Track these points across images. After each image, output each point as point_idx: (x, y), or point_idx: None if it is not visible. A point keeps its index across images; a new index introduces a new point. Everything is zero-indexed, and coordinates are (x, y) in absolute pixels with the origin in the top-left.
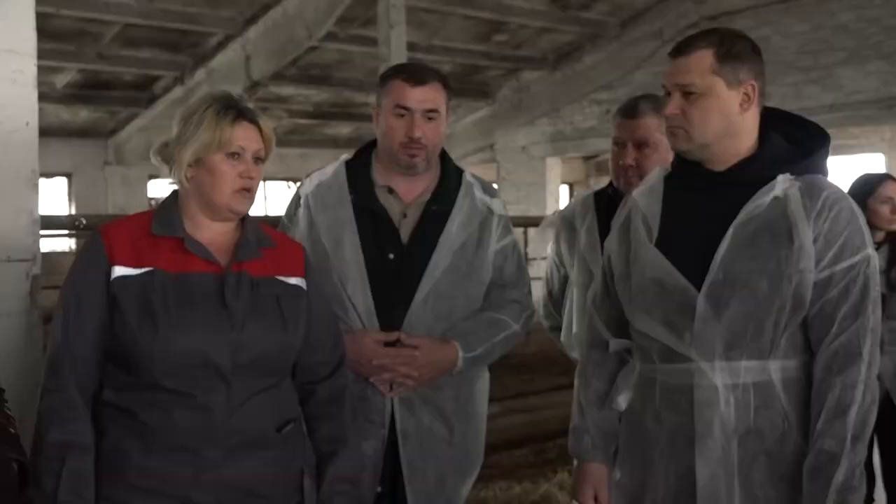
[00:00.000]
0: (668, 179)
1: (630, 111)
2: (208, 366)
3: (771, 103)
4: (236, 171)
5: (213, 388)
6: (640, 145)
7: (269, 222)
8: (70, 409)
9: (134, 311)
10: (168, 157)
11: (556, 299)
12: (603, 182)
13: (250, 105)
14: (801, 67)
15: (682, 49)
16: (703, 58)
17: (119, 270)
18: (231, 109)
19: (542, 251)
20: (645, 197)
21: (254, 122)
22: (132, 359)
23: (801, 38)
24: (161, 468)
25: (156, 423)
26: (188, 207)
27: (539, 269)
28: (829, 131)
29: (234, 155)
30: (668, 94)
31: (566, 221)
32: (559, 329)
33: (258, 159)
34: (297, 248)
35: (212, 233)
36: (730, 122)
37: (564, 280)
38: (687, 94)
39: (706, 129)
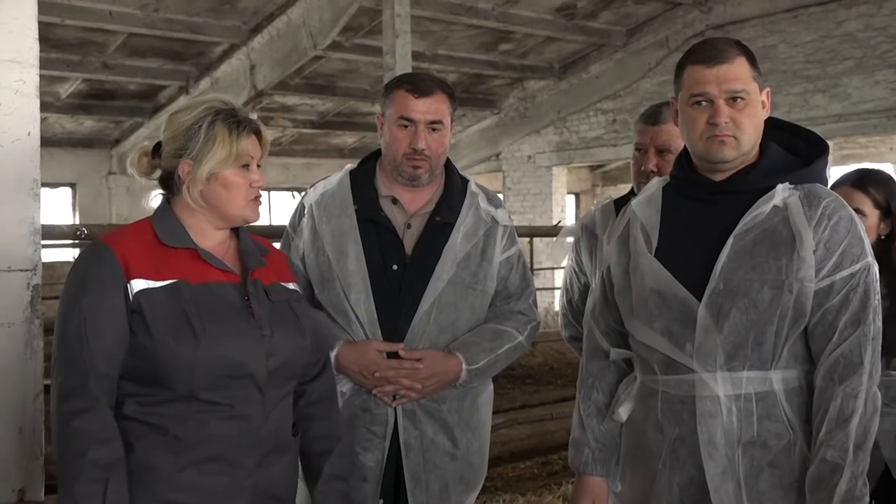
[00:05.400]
0: (667, 189)
1: (652, 117)
2: (245, 375)
3: (778, 112)
4: (248, 182)
5: (249, 397)
6: (662, 151)
7: (274, 232)
8: (105, 427)
9: (168, 324)
10: (152, 167)
11: (575, 308)
12: (608, 191)
13: (243, 107)
14: (808, 77)
15: (719, 57)
16: (744, 64)
17: (140, 283)
18: (243, 124)
19: (561, 260)
20: (644, 207)
21: (258, 132)
22: (167, 372)
23: (809, 48)
24: (195, 481)
25: (190, 437)
26: (190, 218)
27: (545, 280)
28: (837, 141)
29: (244, 166)
30: (699, 103)
31: (587, 229)
32: (579, 339)
33: (258, 165)
34: (281, 253)
35: (214, 241)
36: (761, 128)
37: (585, 288)
38: (734, 101)
39: (753, 135)
